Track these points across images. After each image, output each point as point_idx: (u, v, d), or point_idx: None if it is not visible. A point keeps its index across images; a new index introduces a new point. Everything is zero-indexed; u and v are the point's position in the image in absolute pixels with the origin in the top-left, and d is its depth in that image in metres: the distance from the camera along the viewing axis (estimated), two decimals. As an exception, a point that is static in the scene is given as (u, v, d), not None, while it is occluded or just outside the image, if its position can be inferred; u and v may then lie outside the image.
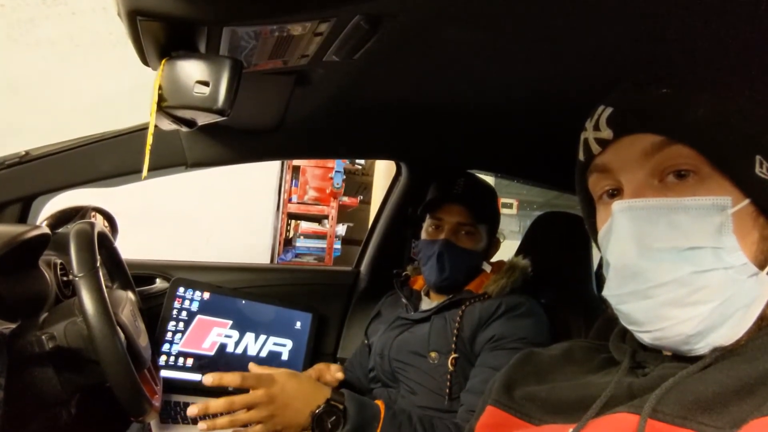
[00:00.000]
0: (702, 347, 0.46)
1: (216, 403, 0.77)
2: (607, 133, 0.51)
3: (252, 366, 0.89)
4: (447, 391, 1.04)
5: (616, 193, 0.52)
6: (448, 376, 1.04)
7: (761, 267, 0.45)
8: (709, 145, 0.46)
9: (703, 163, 0.46)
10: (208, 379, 0.79)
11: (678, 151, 0.47)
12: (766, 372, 0.41)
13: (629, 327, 0.50)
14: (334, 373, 1.14)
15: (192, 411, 0.77)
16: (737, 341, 0.45)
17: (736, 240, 0.44)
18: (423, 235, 1.20)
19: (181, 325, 1.29)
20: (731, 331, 0.45)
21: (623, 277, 0.48)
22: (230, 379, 0.80)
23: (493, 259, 1.23)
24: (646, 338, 0.48)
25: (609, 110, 0.52)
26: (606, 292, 0.51)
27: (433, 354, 1.07)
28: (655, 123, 0.48)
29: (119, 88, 2.31)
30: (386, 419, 0.86)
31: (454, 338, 1.06)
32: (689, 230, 0.45)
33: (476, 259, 1.16)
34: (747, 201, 0.45)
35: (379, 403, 0.89)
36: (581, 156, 0.56)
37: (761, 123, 0.46)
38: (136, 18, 0.52)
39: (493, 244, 1.21)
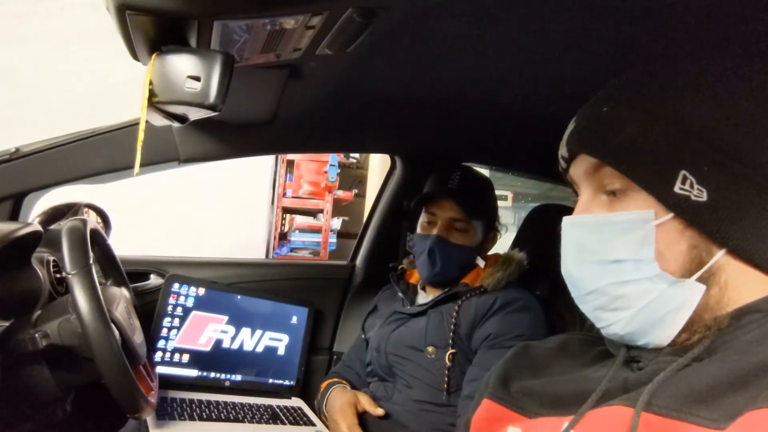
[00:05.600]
0: (649, 343, 0.50)
1: None
2: (564, 151, 0.56)
3: None
4: (445, 385, 1.04)
5: None
6: (446, 371, 1.05)
7: (690, 274, 0.47)
8: (629, 168, 0.49)
9: (630, 181, 0.49)
10: None
11: (609, 172, 0.51)
12: (760, 364, 0.41)
13: None
14: (367, 406, 1.08)
15: None
16: (717, 339, 0.46)
17: (652, 251, 0.48)
18: (417, 229, 1.20)
19: (176, 321, 1.29)
20: (664, 332, 0.48)
21: (568, 283, 0.55)
22: None
23: (490, 251, 1.23)
24: (602, 333, 0.54)
25: (570, 128, 0.56)
26: None
27: (430, 348, 1.08)
28: (588, 146, 0.52)
29: (110, 82, 2.29)
30: None
31: (451, 334, 1.06)
32: (615, 244, 0.50)
33: (469, 255, 1.16)
34: (671, 215, 0.47)
35: None
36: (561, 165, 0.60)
37: (687, 139, 0.47)
38: (125, 12, 0.51)
39: (489, 239, 1.21)
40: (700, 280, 0.47)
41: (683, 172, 0.47)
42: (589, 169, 0.53)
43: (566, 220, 0.54)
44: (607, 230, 0.50)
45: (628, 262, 0.49)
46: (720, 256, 0.47)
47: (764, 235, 0.45)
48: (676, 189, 0.47)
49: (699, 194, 0.46)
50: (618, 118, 0.51)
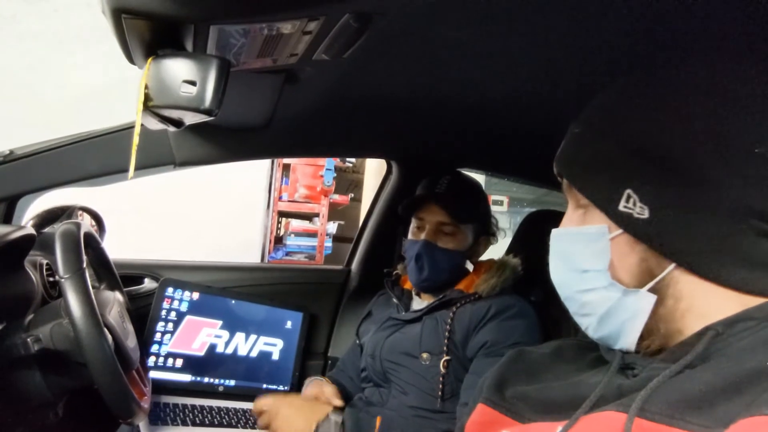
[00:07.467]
0: (622, 348, 0.52)
1: None
2: (554, 168, 0.60)
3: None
4: (439, 392, 1.04)
5: None
6: (440, 378, 1.04)
7: (642, 285, 0.50)
8: (584, 187, 0.54)
9: None
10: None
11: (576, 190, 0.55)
12: (753, 371, 0.41)
13: None
14: (330, 397, 1.13)
15: None
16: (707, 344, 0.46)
17: (606, 263, 0.52)
18: (408, 235, 1.20)
19: (170, 325, 1.28)
20: (627, 338, 0.51)
21: (556, 288, 0.58)
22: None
23: (484, 257, 1.23)
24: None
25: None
26: None
27: (424, 355, 1.07)
28: (561, 166, 0.57)
29: (104, 82, 2.29)
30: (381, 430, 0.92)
31: (446, 341, 1.06)
32: (583, 255, 0.54)
33: (459, 260, 1.15)
34: (621, 230, 0.51)
35: (378, 417, 0.94)
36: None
37: (632, 158, 0.50)
38: (120, 16, 0.51)
39: (481, 243, 1.20)
40: (652, 290, 0.49)
41: (628, 191, 0.49)
42: (567, 186, 0.57)
43: (552, 232, 0.59)
44: (578, 242, 0.55)
45: (591, 272, 0.53)
46: (671, 269, 0.49)
47: (709, 251, 0.46)
48: (621, 207, 0.50)
49: (641, 212, 0.49)
50: (582, 140, 0.55)
